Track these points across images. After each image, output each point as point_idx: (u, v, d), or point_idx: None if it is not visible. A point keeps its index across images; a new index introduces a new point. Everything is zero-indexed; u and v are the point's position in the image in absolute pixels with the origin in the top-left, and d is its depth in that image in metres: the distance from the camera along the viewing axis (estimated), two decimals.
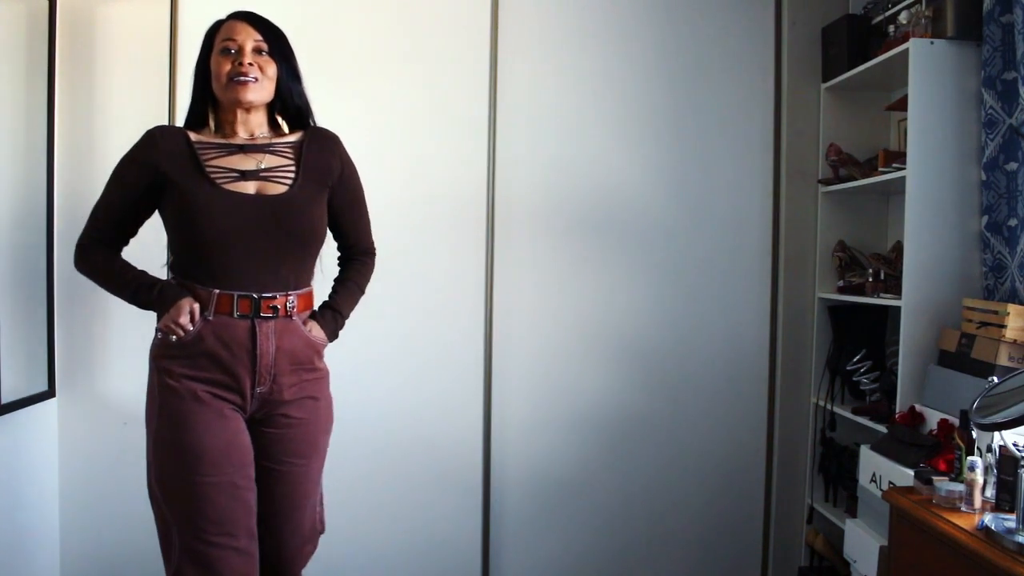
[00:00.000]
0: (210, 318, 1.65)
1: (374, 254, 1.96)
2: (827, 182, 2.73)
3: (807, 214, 2.79)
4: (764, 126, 2.78)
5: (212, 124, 1.75)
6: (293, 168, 1.73)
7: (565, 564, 2.77)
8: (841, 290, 2.68)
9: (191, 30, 2.56)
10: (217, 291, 1.65)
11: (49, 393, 2.53)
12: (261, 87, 1.71)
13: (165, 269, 1.80)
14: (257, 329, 1.66)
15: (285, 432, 1.74)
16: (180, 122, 2.58)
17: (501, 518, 2.75)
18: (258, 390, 1.68)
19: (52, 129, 2.50)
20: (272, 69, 1.73)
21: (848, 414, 2.59)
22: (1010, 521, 1.59)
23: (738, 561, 2.83)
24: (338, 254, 1.93)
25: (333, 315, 1.82)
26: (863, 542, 2.17)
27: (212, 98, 1.75)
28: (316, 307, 1.83)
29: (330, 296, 1.87)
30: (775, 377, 2.82)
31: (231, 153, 1.70)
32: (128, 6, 2.56)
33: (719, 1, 2.75)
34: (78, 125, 2.55)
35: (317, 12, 2.56)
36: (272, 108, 1.79)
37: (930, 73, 2.24)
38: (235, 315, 1.65)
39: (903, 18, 2.35)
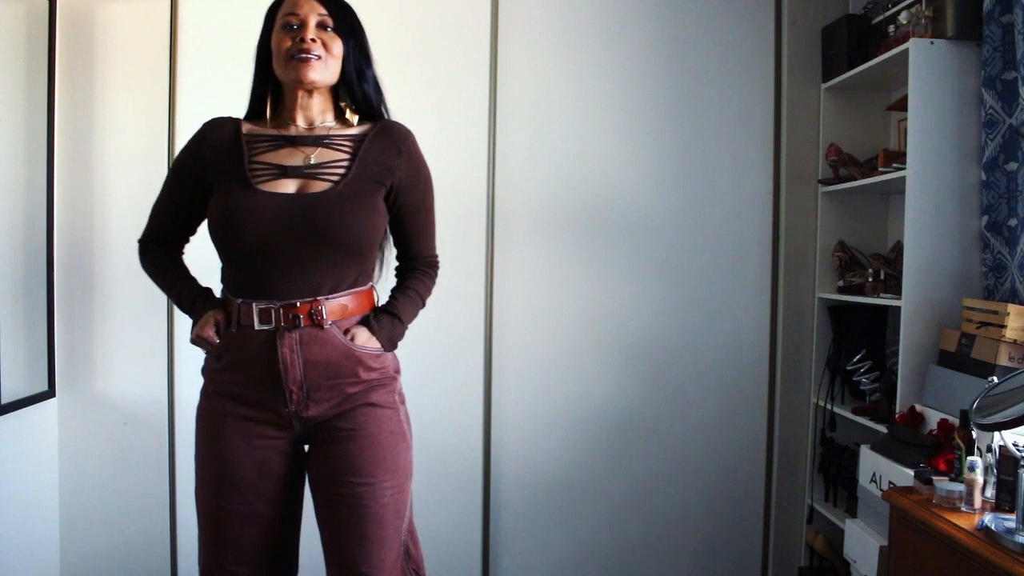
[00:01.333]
0: (233, 330, 1.51)
1: (437, 267, 1.76)
2: (827, 182, 2.73)
3: (807, 214, 2.79)
4: (764, 126, 2.78)
5: (268, 111, 1.58)
6: (346, 164, 1.54)
7: (565, 564, 2.77)
8: (841, 290, 2.67)
9: (191, 30, 2.56)
10: (240, 301, 1.51)
11: (49, 393, 2.53)
12: (324, 66, 1.53)
13: None
14: (278, 342, 1.49)
15: (337, 448, 1.53)
16: (181, 123, 2.63)
17: (501, 518, 2.75)
18: (292, 407, 1.51)
19: (52, 129, 2.51)
20: (338, 46, 1.55)
21: (848, 414, 2.59)
22: (1010, 521, 1.59)
23: (738, 561, 2.83)
24: (396, 263, 1.75)
25: (391, 319, 1.60)
26: (863, 542, 2.17)
27: (274, 82, 1.59)
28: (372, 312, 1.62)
29: (388, 301, 1.67)
30: (775, 377, 2.82)
31: (280, 146, 1.55)
32: (128, 6, 2.56)
33: (719, 1, 2.75)
34: (78, 125, 2.55)
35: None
36: (337, 94, 1.61)
37: (930, 73, 2.24)
38: (256, 327, 1.49)
39: (903, 18, 2.35)
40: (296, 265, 1.49)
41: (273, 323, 1.49)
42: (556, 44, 2.71)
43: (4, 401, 2.27)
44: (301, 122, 1.57)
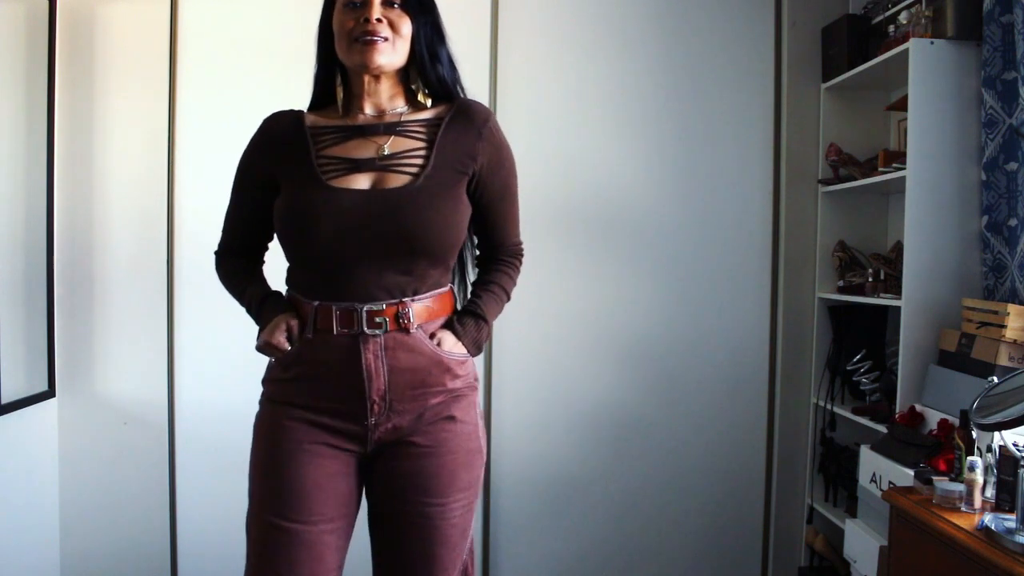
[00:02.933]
0: (310, 336, 1.38)
1: (522, 255, 1.62)
2: (827, 182, 2.73)
3: (807, 214, 2.79)
4: (764, 126, 2.78)
5: (340, 98, 1.45)
6: (423, 152, 1.40)
7: (565, 563, 2.77)
8: (841, 290, 2.68)
9: (191, 30, 2.56)
10: (317, 303, 1.37)
11: (49, 393, 2.53)
12: (392, 48, 1.39)
13: None
14: (362, 347, 1.36)
15: (411, 464, 1.40)
16: (181, 123, 2.63)
17: (501, 518, 2.75)
18: (372, 420, 1.38)
19: (52, 129, 2.51)
20: (406, 26, 1.40)
21: (848, 414, 2.59)
22: (1010, 521, 1.59)
23: (738, 561, 2.83)
24: (477, 253, 1.61)
25: (476, 321, 1.48)
26: (863, 542, 2.17)
27: (340, 67, 1.45)
28: (455, 314, 1.50)
29: (471, 300, 1.53)
30: (775, 377, 2.82)
31: (348, 137, 1.41)
32: (128, 6, 2.56)
33: (719, 1, 2.75)
34: (78, 125, 2.55)
35: (315, 12, 2.56)
36: (407, 76, 1.46)
37: (930, 73, 2.24)
38: (336, 331, 1.36)
39: (903, 18, 2.35)
40: (377, 265, 1.36)
41: (356, 327, 1.36)
42: (556, 44, 2.71)
43: (4, 401, 2.27)
44: (369, 109, 1.44)
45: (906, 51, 2.26)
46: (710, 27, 2.75)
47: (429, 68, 1.44)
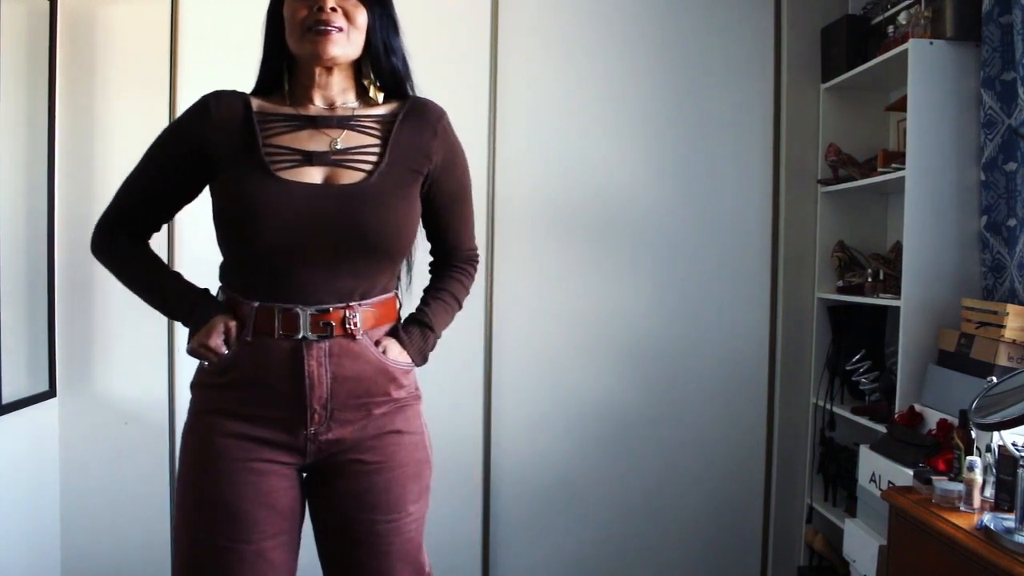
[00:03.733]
0: (248, 339, 1.29)
1: (476, 262, 1.57)
2: (827, 182, 2.74)
3: (807, 214, 2.79)
4: (764, 126, 2.78)
5: (286, 86, 1.37)
6: (378, 149, 1.34)
7: (565, 564, 2.78)
8: (841, 290, 2.68)
9: (191, 30, 2.56)
10: (257, 304, 1.29)
11: (49, 393, 2.53)
12: (347, 39, 1.31)
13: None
14: (305, 353, 1.28)
15: (359, 483, 1.33)
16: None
17: (501, 518, 2.75)
18: (311, 430, 1.30)
19: (53, 129, 2.51)
20: (362, 16, 1.33)
21: (848, 414, 2.59)
22: (1009, 521, 1.59)
23: (738, 561, 2.84)
24: (430, 258, 1.55)
25: (422, 330, 1.42)
26: (862, 542, 2.18)
27: (287, 54, 1.36)
28: (401, 322, 1.44)
29: (419, 308, 1.47)
30: (775, 377, 2.82)
31: (299, 127, 1.33)
32: (128, 6, 2.57)
33: (719, 1, 2.75)
34: (79, 125, 2.55)
35: None
36: (359, 70, 1.39)
37: (929, 73, 2.25)
38: (277, 335, 1.28)
39: (902, 19, 2.35)
40: (326, 266, 1.29)
41: (299, 331, 1.28)
42: (556, 44, 2.71)
43: (5, 401, 2.27)
44: (319, 102, 1.36)
45: (905, 51, 2.26)
46: (710, 27, 2.75)
47: (383, 61, 1.38)
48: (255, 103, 1.35)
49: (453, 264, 1.53)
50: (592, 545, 2.78)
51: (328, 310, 1.29)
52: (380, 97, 1.40)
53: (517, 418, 2.73)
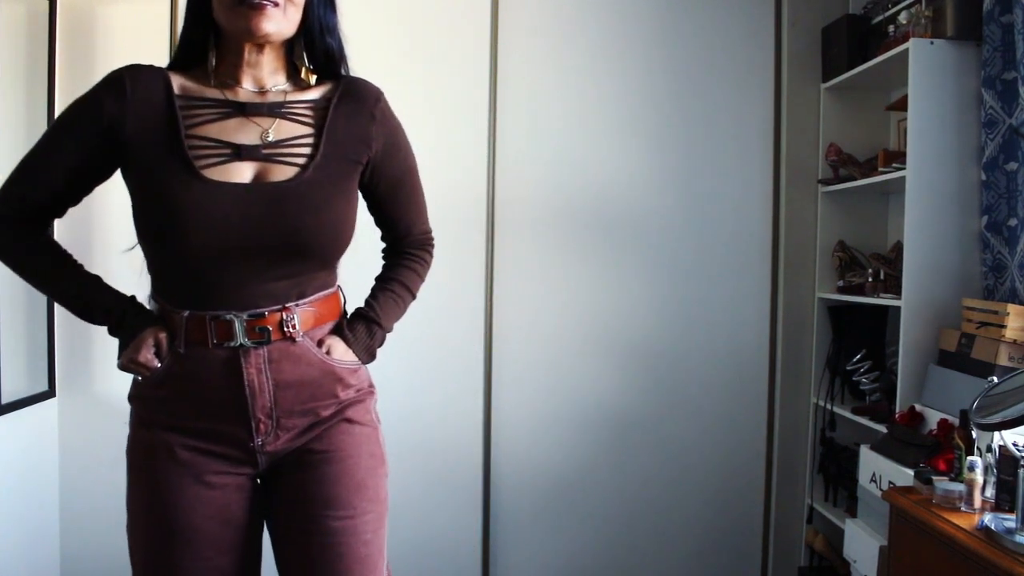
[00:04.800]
0: (181, 350, 1.20)
1: (430, 245, 1.46)
2: (827, 182, 2.73)
3: (807, 214, 2.79)
4: (764, 126, 2.78)
5: (210, 65, 1.23)
6: (311, 140, 1.23)
7: (565, 564, 2.78)
8: (841, 290, 2.68)
9: None
10: (187, 313, 1.20)
11: (49, 393, 2.53)
12: (283, 15, 1.18)
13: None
14: (243, 361, 1.20)
15: (309, 474, 1.25)
16: None
17: (501, 518, 2.75)
18: (258, 440, 1.22)
19: None
20: None
21: (848, 414, 2.59)
22: (1010, 521, 1.59)
23: (738, 561, 2.83)
24: (383, 244, 1.46)
25: (367, 327, 1.33)
26: (863, 542, 2.17)
27: (212, 27, 1.22)
28: (346, 317, 1.35)
29: (367, 300, 1.38)
30: (775, 377, 2.82)
31: (226, 115, 1.20)
32: (128, 6, 2.56)
33: (719, 1, 2.75)
34: None
35: None
36: (290, 49, 1.27)
37: (930, 73, 2.24)
38: (211, 344, 1.19)
39: (903, 18, 2.35)
40: (257, 269, 1.19)
41: (235, 339, 1.19)
42: (556, 44, 2.71)
43: (4, 401, 2.27)
44: (248, 84, 1.23)
45: (906, 51, 2.26)
46: (710, 27, 2.75)
47: (318, 40, 1.26)
48: (176, 82, 1.21)
49: (405, 251, 1.43)
50: (592, 545, 2.78)
51: (263, 314, 1.20)
52: (313, 79, 1.28)
53: (517, 418, 2.73)
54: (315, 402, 1.25)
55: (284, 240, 1.18)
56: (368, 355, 1.34)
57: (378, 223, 1.42)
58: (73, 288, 1.27)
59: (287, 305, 1.22)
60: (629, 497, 2.79)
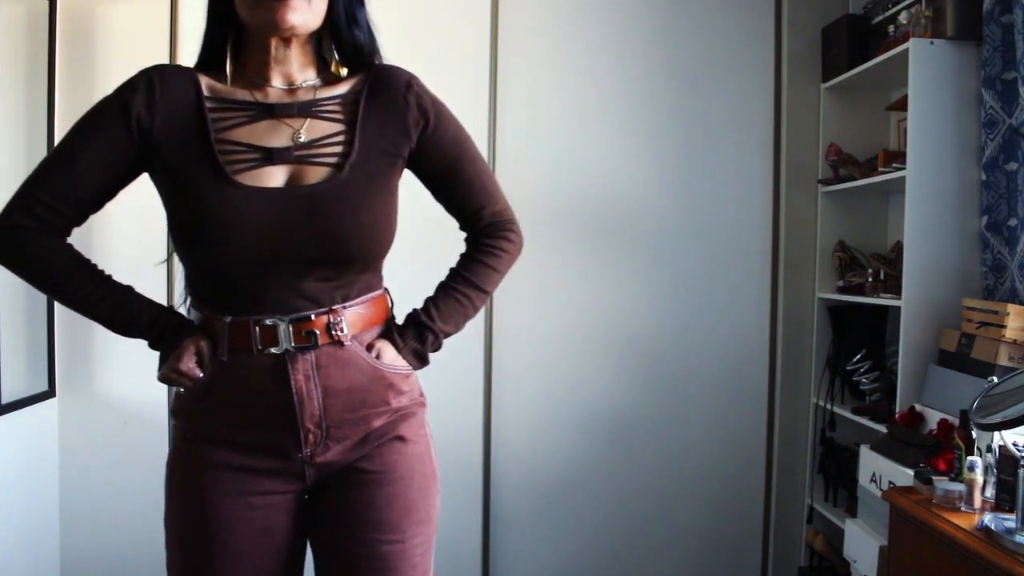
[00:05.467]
0: (224, 358, 1.15)
1: (510, 230, 1.33)
2: (827, 182, 2.73)
3: (807, 214, 2.79)
4: (764, 126, 2.78)
5: (229, 67, 1.18)
6: (344, 137, 1.17)
7: (565, 564, 2.77)
8: (841, 290, 2.68)
9: (191, 30, 2.56)
10: (230, 319, 1.15)
11: (49, 393, 2.53)
12: (307, 5, 1.13)
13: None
14: (290, 368, 1.14)
15: (359, 495, 1.19)
16: None
17: (501, 518, 2.75)
18: (307, 451, 1.16)
19: (52, 129, 2.50)
20: None
21: (848, 414, 2.59)
22: (1010, 521, 1.59)
23: (738, 561, 2.83)
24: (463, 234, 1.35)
25: (418, 331, 1.25)
26: (863, 542, 2.17)
27: (236, 26, 1.17)
28: (393, 319, 1.29)
29: (425, 300, 1.29)
30: (775, 377, 2.82)
31: (256, 118, 1.15)
32: (128, 6, 2.56)
33: (719, 1, 2.75)
34: None
35: None
36: (318, 43, 1.22)
37: (930, 73, 2.24)
38: (256, 351, 1.14)
39: (903, 18, 2.35)
40: (298, 273, 1.14)
41: (281, 344, 1.14)
42: (556, 45, 2.71)
43: (4, 401, 2.27)
44: (277, 81, 1.18)
45: (906, 51, 2.26)
46: (710, 27, 2.75)
47: (345, 32, 1.20)
48: (204, 83, 1.17)
49: (479, 241, 1.32)
50: (592, 545, 2.78)
51: (309, 317, 1.14)
52: (343, 72, 1.22)
53: (517, 418, 2.73)
54: (366, 409, 1.19)
55: (323, 244, 1.13)
56: (419, 360, 1.26)
57: (449, 212, 1.32)
58: (106, 302, 1.21)
59: (333, 307, 1.16)
60: (629, 497, 2.79)
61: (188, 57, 2.63)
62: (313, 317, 1.15)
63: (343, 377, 1.17)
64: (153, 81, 1.16)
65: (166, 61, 2.55)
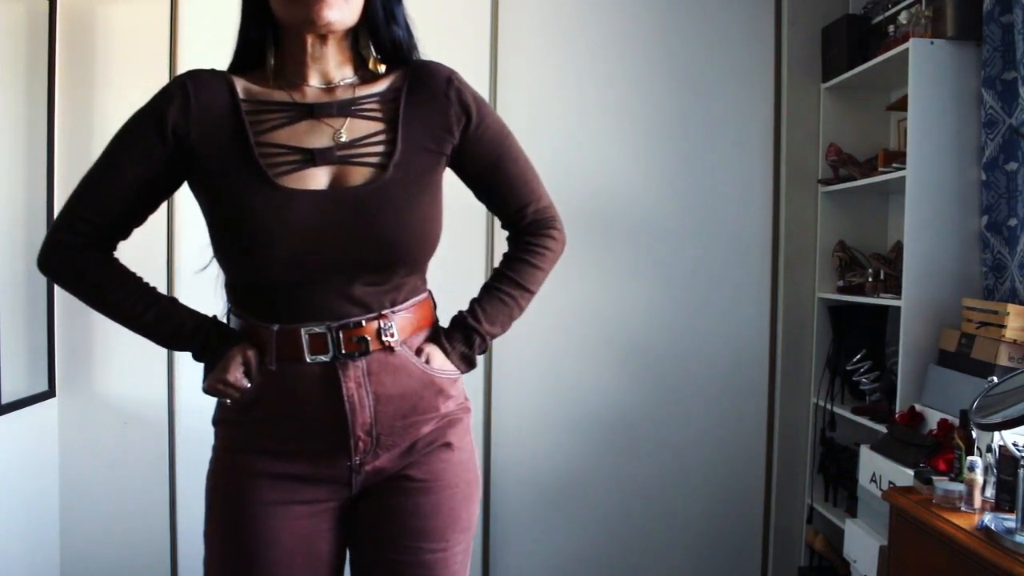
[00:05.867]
0: (272, 368, 1.12)
1: (553, 227, 1.35)
2: (827, 182, 2.73)
3: (807, 214, 2.79)
4: (764, 126, 2.78)
5: (269, 65, 1.15)
6: (386, 136, 1.15)
7: (565, 564, 2.78)
8: (841, 290, 2.68)
9: (191, 30, 2.56)
10: (277, 327, 1.12)
11: (49, 393, 2.53)
12: (344, 1, 1.10)
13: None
14: (341, 375, 1.12)
15: (405, 502, 1.17)
16: None
17: (501, 518, 2.75)
18: (356, 460, 1.14)
19: (52, 129, 2.51)
20: None
21: (848, 414, 2.59)
22: (1010, 521, 1.59)
23: (738, 561, 2.83)
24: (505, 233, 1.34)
25: (465, 334, 1.23)
26: (863, 542, 2.17)
27: (271, 24, 1.15)
28: (437, 322, 1.27)
29: (471, 301, 1.27)
30: (775, 377, 2.82)
31: (295, 119, 1.13)
32: (128, 6, 2.56)
33: (719, 1, 2.75)
34: (78, 125, 2.55)
35: None
36: (355, 39, 1.19)
37: (930, 73, 2.24)
38: (306, 359, 1.11)
39: (903, 18, 2.35)
40: (345, 277, 1.11)
41: (331, 352, 1.11)
42: (556, 45, 2.71)
43: (4, 401, 2.27)
44: (315, 80, 1.16)
45: (906, 51, 2.26)
46: (710, 27, 2.75)
47: (383, 28, 1.18)
48: (240, 86, 1.14)
49: (523, 239, 1.32)
50: (592, 545, 2.78)
51: (360, 323, 1.12)
52: (381, 69, 1.19)
53: (517, 418, 2.73)
54: (416, 416, 1.17)
55: (370, 246, 1.10)
56: (467, 364, 1.24)
57: (491, 210, 1.32)
58: (150, 314, 1.17)
59: (383, 312, 1.14)
60: (629, 497, 2.79)
61: (188, 56, 2.65)
62: (364, 323, 1.12)
63: (395, 383, 1.15)
64: (187, 87, 1.13)
65: (166, 61, 2.56)
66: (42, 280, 2.50)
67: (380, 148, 1.14)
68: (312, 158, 1.11)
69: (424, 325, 1.21)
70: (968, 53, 2.24)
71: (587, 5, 2.72)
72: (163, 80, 2.52)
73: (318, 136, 1.13)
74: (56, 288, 2.53)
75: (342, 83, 1.16)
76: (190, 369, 2.59)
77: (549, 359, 2.74)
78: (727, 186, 2.78)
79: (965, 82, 2.24)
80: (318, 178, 1.11)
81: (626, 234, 2.75)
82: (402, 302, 1.17)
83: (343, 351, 1.11)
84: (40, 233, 2.47)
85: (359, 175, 1.12)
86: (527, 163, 1.31)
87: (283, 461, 1.13)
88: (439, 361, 1.20)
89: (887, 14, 2.48)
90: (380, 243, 1.10)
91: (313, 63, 1.15)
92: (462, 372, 1.24)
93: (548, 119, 2.71)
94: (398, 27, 1.20)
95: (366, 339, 1.12)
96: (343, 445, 1.13)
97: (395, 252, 1.12)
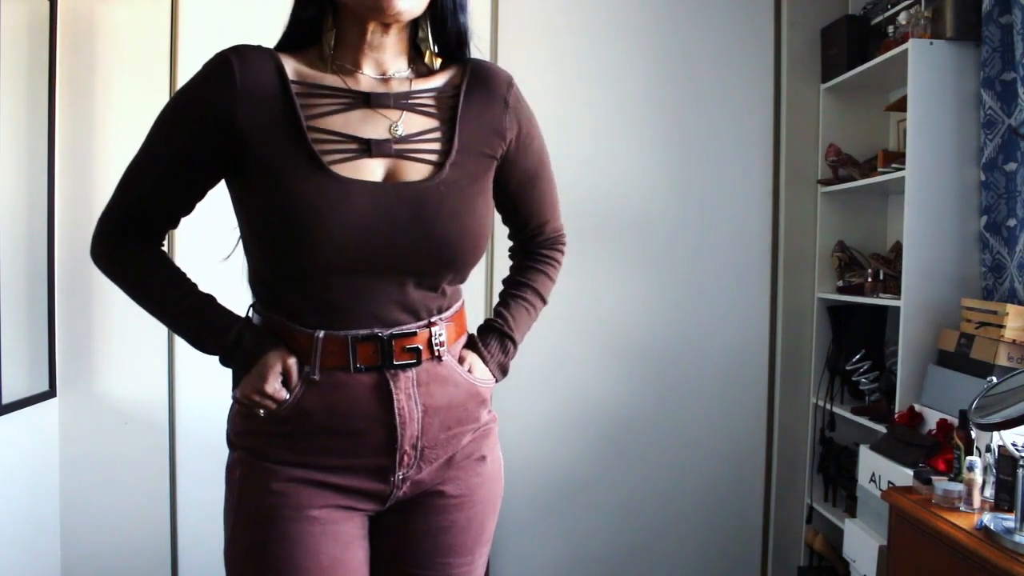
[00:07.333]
0: (315, 377, 1.04)
1: (563, 244, 1.33)
2: (827, 182, 2.74)
3: (807, 214, 2.79)
4: (764, 126, 2.78)
5: (325, 48, 1.07)
6: (441, 134, 1.09)
7: (565, 564, 2.78)
8: (841, 290, 2.68)
9: (191, 30, 2.56)
10: (322, 333, 1.04)
11: (49, 393, 2.53)
12: None
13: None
14: (392, 386, 1.05)
15: (439, 519, 1.12)
16: None
17: (501, 518, 2.74)
18: (400, 474, 1.07)
19: (53, 129, 2.51)
20: None
21: (848, 414, 2.59)
22: (1009, 521, 1.59)
23: (738, 560, 2.84)
24: (510, 243, 1.32)
25: (501, 341, 1.21)
26: (862, 542, 2.18)
27: (328, 4, 1.07)
28: (471, 330, 1.22)
29: (497, 310, 1.24)
30: (775, 377, 2.82)
31: (351, 106, 1.05)
32: (128, 6, 2.57)
33: (719, 1, 2.75)
34: (79, 125, 2.55)
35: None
36: (414, 30, 1.12)
37: (929, 74, 2.25)
38: (355, 368, 1.04)
39: (902, 19, 2.35)
40: (397, 280, 1.05)
41: (380, 362, 1.04)
42: (555, 45, 2.71)
43: (5, 401, 2.27)
44: (369, 69, 1.08)
45: (905, 52, 2.26)
46: (710, 27, 2.75)
47: (451, 19, 1.11)
48: (289, 66, 1.05)
49: (537, 252, 1.29)
50: (592, 545, 2.79)
51: (413, 332, 1.06)
52: (437, 64, 1.13)
53: (518, 419, 2.73)
54: (460, 427, 1.12)
55: (425, 246, 1.04)
56: (502, 372, 1.22)
57: (506, 221, 1.28)
58: (180, 307, 1.09)
59: (432, 320, 1.08)
60: (629, 497, 2.79)
61: (188, 56, 2.65)
62: (417, 331, 1.06)
63: (443, 394, 1.09)
64: (232, 65, 1.02)
65: (166, 62, 2.56)
66: (42, 280, 2.50)
67: (436, 146, 1.08)
68: (368, 148, 1.04)
69: (463, 332, 1.17)
70: (967, 54, 2.24)
71: (587, 5, 2.72)
72: (163, 80, 2.55)
73: (373, 127, 1.06)
74: (56, 288, 2.54)
75: (396, 75, 1.10)
76: (190, 370, 2.60)
77: (549, 360, 2.74)
78: (727, 186, 2.78)
79: (964, 83, 2.24)
80: (373, 170, 1.04)
81: (626, 234, 2.75)
82: (447, 309, 1.12)
83: (395, 361, 1.05)
84: (40, 233, 2.49)
85: (415, 171, 1.05)
86: (554, 180, 1.30)
87: (319, 472, 1.05)
88: (480, 370, 1.16)
89: (886, 15, 2.48)
90: (436, 243, 1.04)
91: (370, 51, 1.07)
92: (497, 381, 1.20)
93: (547, 120, 2.65)
94: (464, 16, 1.13)
95: (419, 349, 1.06)
96: (389, 460, 1.06)
97: (449, 253, 1.06)
